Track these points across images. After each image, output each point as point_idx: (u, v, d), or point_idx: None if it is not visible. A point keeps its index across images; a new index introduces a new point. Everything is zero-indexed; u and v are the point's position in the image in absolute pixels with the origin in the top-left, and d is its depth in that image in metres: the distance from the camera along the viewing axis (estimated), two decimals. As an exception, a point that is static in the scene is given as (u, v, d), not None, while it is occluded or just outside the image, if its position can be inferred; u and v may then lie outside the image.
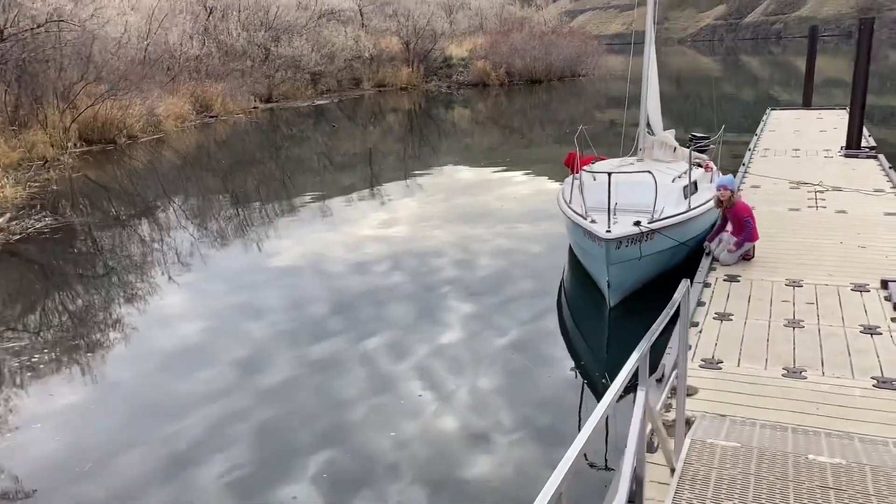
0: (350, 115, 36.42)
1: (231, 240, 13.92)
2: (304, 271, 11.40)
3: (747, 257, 9.12)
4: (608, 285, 8.49)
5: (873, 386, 5.90)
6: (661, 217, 8.89)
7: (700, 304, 7.85)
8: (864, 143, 16.41)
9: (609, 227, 8.23)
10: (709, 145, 12.85)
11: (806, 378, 6.09)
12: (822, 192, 12.52)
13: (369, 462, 6.10)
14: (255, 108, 34.36)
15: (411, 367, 7.83)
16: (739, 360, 6.51)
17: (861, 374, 6.12)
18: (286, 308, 9.75)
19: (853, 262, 8.88)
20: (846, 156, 15.78)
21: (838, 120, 20.75)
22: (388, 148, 25.95)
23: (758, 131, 19.57)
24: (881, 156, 15.34)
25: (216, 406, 7.17)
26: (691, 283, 5.55)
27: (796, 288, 8.15)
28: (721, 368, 6.36)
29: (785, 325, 7.21)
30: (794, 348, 6.68)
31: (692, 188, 10.02)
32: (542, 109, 36.99)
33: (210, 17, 35.31)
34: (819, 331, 7.04)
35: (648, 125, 10.99)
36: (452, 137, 29.21)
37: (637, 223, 8.42)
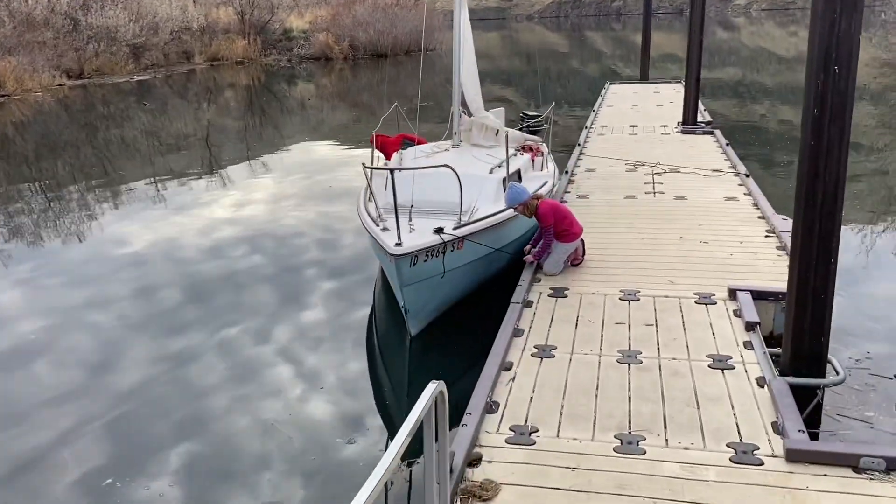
0: (180, 92, 32.65)
1: (63, 231, 12.02)
2: (153, 259, 10.10)
3: (575, 262, 7.45)
4: (405, 311, 6.55)
5: (730, 460, 4.28)
6: (473, 219, 7.03)
7: (517, 333, 6.04)
8: (700, 118, 15.47)
9: (399, 238, 6.24)
10: (541, 124, 11.19)
11: (644, 453, 4.38)
12: (659, 174, 11.20)
13: (237, 453, 5.51)
14: (61, 84, 29.91)
15: (274, 352, 7.10)
16: (560, 425, 4.73)
17: (714, 440, 4.49)
18: (136, 298, 8.67)
19: (695, 264, 7.41)
20: (683, 132, 14.72)
21: (674, 94, 19.98)
22: (229, 126, 22.99)
23: (595, 107, 18.33)
24: (717, 131, 14.37)
25: (65, 408, 6.28)
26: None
27: (632, 303, 6.54)
28: (535, 442, 4.54)
29: (619, 361, 5.52)
30: (629, 402, 4.97)
31: (514, 179, 8.27)
32: (391, 85, 34.74)
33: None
34: (660, 368, 5.39)
35: (464, 105, 9.08)
36: (299, 114, 26.46)
37: (438, 230, 6.51)
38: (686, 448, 4.41)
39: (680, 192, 10.14)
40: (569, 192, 10.36)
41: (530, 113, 11.12)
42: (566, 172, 11.23)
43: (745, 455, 4.29)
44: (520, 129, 11.00)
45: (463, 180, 7.58)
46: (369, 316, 7.83)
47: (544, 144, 10.76)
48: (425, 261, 6.42)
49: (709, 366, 5.40)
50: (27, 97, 27.33)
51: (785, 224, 7.99)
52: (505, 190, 7.77)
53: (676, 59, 37.21)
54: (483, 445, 4.49)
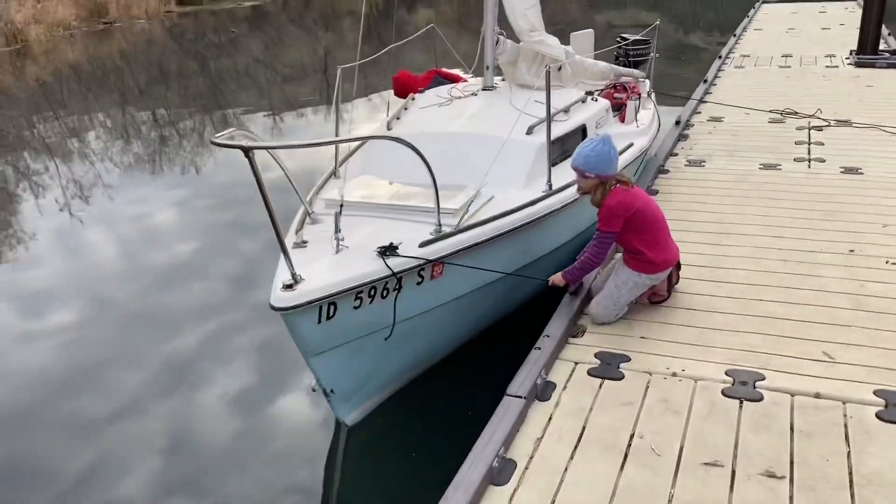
0: (297, 20, 30.60)
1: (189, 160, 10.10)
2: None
3: (656, 299, 4.19)
4: (326, 393, 3.62)
5: None
6: (467, 223, 3.94)
7: (501, 472, 3.00)
8: (882, 46, 11.09)
9: (293, 270, 3.27)
10: (647, 53, 7.62)
11: None
12: (820, 128, 7.42)
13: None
14: (168, 12, 28.46)
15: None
16: None
17: None
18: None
19: (879, 314, 3.95)
20: (858, 64, 10.49)
21: (847, 14, 15.19)
22: (348, 58, 20.49)
23: (737, 31, 14.00)
24: (909, 64, 10.09)
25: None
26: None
27: (747, 405, 3.28)
28: None
29: None
30: None
31: (562, 146, 5.04)
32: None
33: None
34: None
35: (501, 27, 5.70)
36: (420, 43, 23.63)
37: (385, 251, 3.49)
38: None
39: (852, 159, 6.42)
40: (675, 155, 6.86)
41: (631, 36, 7.52)
42: (676, 123, 7.65)
43: None
44: (616, 61, 7.55)
45: (473, 148, 4.50)
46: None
47: (646, 82, 7.26)
48: (356, 308, 3.45)
49: None
50: (133, 24, 25.99)
51: None
52: (548, 167, 4.58)
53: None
54: None
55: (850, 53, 10.93)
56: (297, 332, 3.28)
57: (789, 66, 10.67)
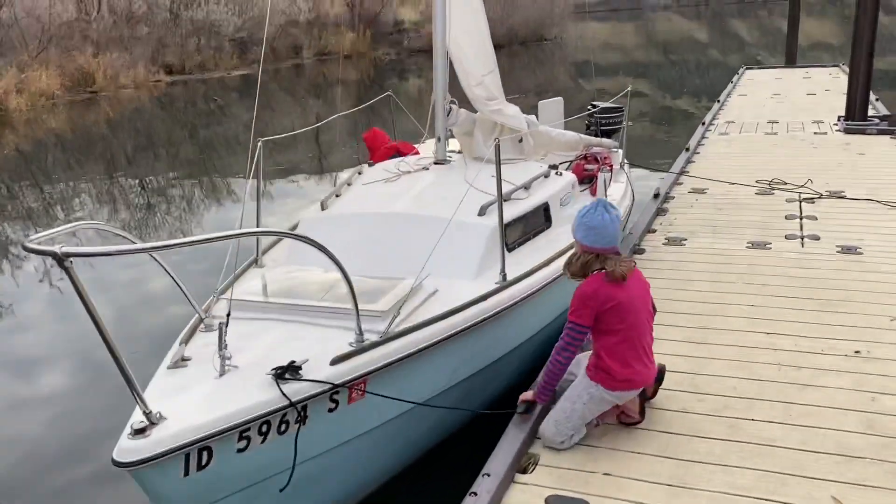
0: (288, 88, 30.63)
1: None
2: None
3: (626, 419, 3.44)
4: None
5: None
6: (399, 329, 3.25)
7: None
8: (871, 111, 10.64)
9: (150, 416, 2.49)
10: (618, 121, 7.04)
11: None
12: (811, 200, 6.81)
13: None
14: (157, 81, 28.33)
15: None
16: None
17: None
18: None
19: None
20: (847, 130, 9.99)
21: (831, 80, 14.87)
22: (339, 123, 20.35)
23: (721, 97, 13.60)
24: (900, 131, 9.59)
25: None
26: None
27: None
28: None
29: None
30: None
31: (522, 228, 4.42)
32: (504, 77, 30.81)
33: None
34: None
35: (453, 95, 5.09)
36: (416, 111, 23.38)
37: (280, 374, 2.76)
38: None
39: (849, 237, 5.77)
40: (653, 232, 6.20)
41: (601, 104, 6.95)
42: (655, 196, 7.03)
43: None
44: (587, 130, 6.99)
45: (417, 232, 3.87)
46: None
47: (619, 152, 6.67)
48: (241, 450, 2.70)
49: None
50: (119, 94, 25.78)
51: None
52: (502, 253, 3.92)
53: (831, 47, 30.90)
54: None
55: (839, 119, 10.45)
56: (154, 492, 2.51)
57: (776, 133, 10.17)
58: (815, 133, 9.99)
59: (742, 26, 69.58)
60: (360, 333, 3.10)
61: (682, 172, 7.94)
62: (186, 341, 3.23)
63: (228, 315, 2.92)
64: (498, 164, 3.84)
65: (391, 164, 5.19)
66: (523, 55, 39.51)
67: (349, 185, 5.10)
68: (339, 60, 37.64)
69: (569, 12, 46.58)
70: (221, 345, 2.83)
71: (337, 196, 4.89)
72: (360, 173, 5.31)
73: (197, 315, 3.41)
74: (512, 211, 4.40)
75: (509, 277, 3.94)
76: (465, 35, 5.05)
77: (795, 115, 11.43)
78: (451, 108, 5.04)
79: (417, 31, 40.10)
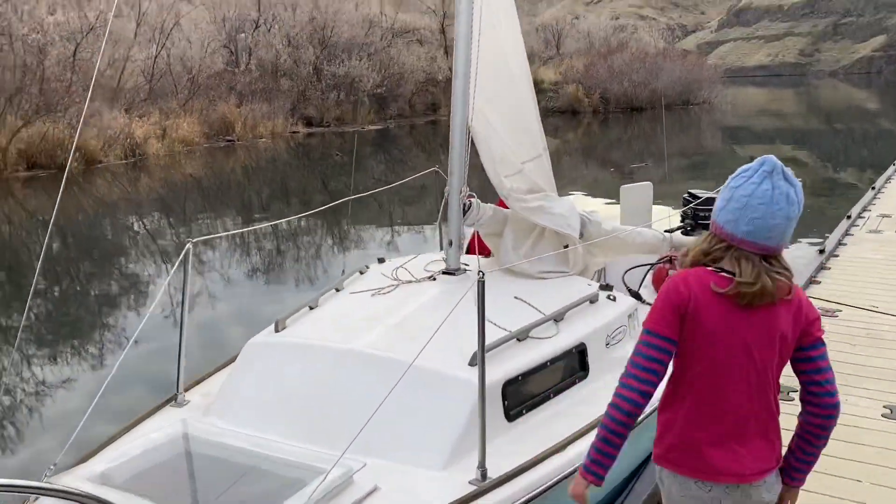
0: (420, 142, 30.82)
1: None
2: None
3: None
4: None
5: None
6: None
7: None
8: None
9: None
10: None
11: None
12: None
13: None
14: (294, 132, 29.04)
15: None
16: None
17: None
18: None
19: None
20: None
21: None
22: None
23: (877, 183, 11.09)
24: None
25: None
26: None
27: None
28: None
29: None
30: None
31: (539, 384, 2.94)
32: (644, 140, 29.00)
33: (255, 31, 30.53)
34: None
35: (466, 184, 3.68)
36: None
37: None
38: None
39: None
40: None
41: (701, 193, 5.24)
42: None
43: None
44: (681, 225, 5.35)
45: (371, 383, 2.63)
46: None
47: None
48: None
49: None
50: (255, 143, 26.55)
51: None
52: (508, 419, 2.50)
53: None
54: None
55: None
56: None
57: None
58: None
59: (920, 96, 62.99)
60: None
61: (810, 281, 5.97)
62: None
63: None
64: (481, 298, 2.44)
65: (392, 268, 3.86)
66: (667, 118, 37.43)
67: (337, 290, 3.84)
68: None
69: (719, 76, 43.95)
70: None
71: (311, 308, 3.62)
72: (361, 273, 4.05)
73: None
74: (528, 357, 2.95)
75: (493, 474, 2.49)
76: (497, 109, 3.67)
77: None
78: (469, 202, 3.64)
79: (556, 90, 39.13)
